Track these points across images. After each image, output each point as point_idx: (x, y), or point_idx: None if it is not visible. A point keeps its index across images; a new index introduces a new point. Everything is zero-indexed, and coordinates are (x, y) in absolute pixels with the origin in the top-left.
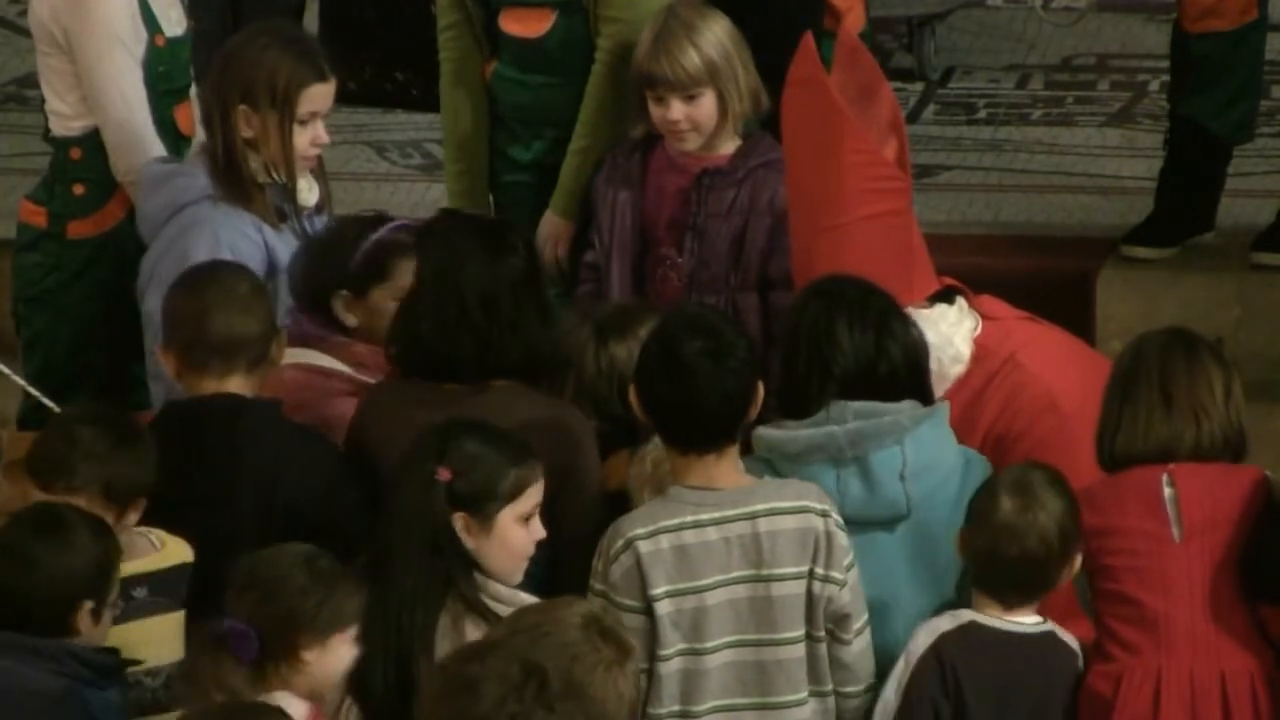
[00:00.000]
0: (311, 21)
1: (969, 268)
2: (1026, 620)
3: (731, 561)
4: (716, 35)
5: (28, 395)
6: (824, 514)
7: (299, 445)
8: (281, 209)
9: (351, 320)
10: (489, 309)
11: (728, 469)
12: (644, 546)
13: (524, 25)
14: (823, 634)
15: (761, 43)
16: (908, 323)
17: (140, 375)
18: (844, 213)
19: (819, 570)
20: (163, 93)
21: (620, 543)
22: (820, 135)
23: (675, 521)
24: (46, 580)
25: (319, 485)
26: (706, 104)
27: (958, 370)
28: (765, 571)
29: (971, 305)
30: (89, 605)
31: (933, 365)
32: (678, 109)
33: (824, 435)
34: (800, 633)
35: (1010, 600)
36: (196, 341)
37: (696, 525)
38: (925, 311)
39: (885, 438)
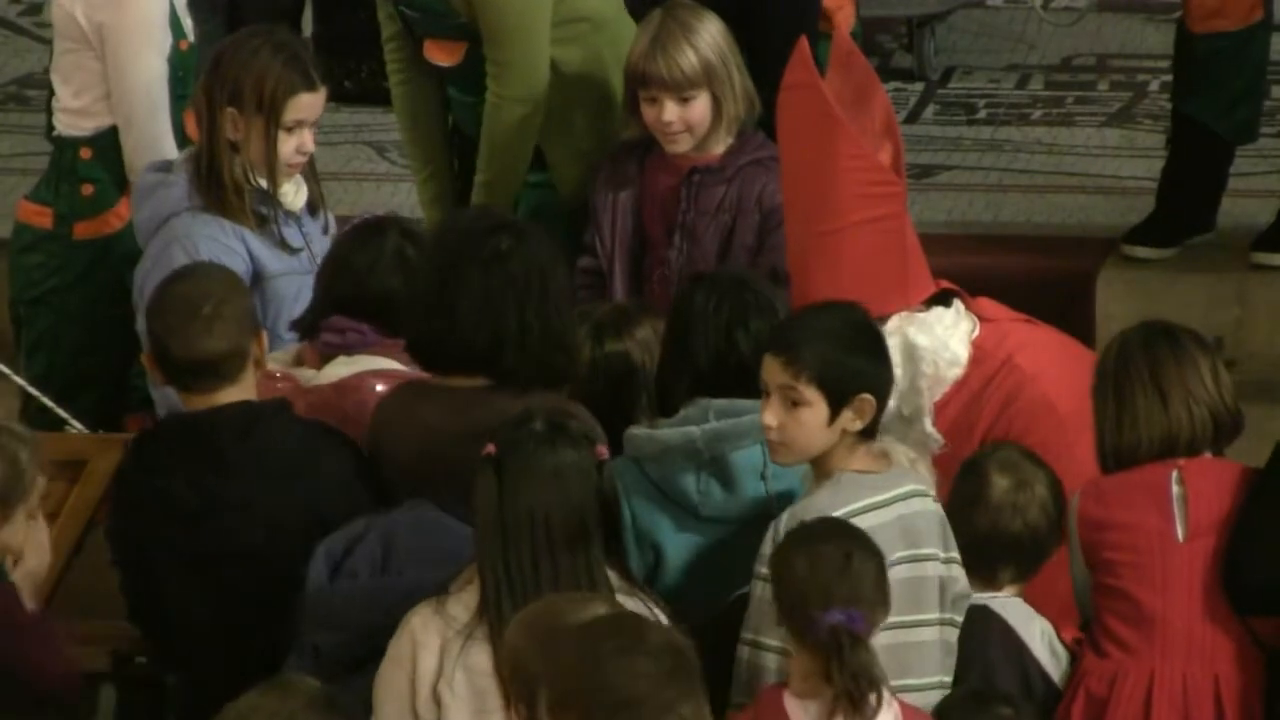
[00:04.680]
0: (308, 23)
1: (969, 268)
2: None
3: (898, 542)
4: (713, 37)
5: (28, 398)
6: (936, 499)
7: (318, 442)
8: (261, 213)
9: None
10: (441, 299)
11: (874, 454)
12: None
13: (443, 54)
14: (949, 616)
15: (757, 46)
16: (769, 316)
17: (142, 378)
18: (839, 217)
19: (942, 553)
20: (178, 97)
21: None
22: (816, 140)
23: (860, 504)
24: None
25: (340, 480)
26: (700, 106)
27: (955, 373)
28: (921, 552)
29: (969, 308)
30: None
31: (928, 369)
32: (671, 110)
33: (680, 436)
34: (937, 614)
35: (1003, 578)
36: (165, 362)
37: (875, 507)
38: (921, 314)
39: (744, 437)
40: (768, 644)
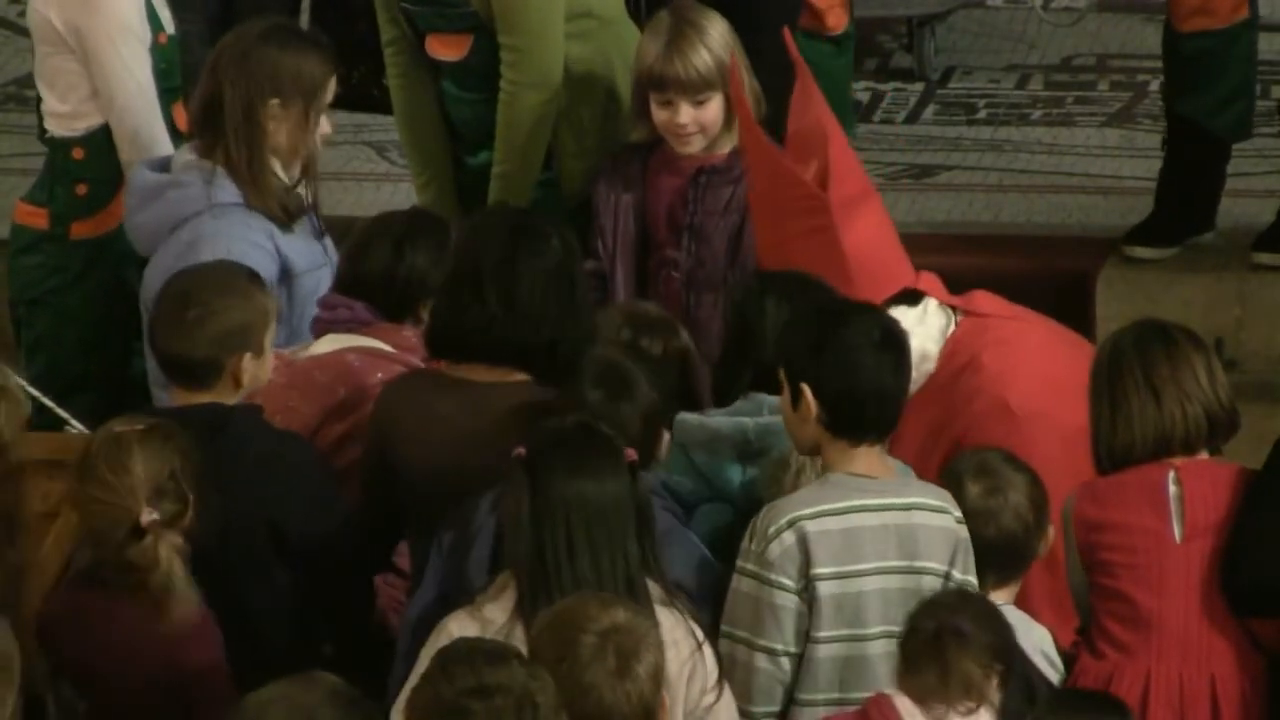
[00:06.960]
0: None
1: (969, 268)
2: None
3: (889, 550)
4: (722, 36)
5: (28, 397)
6: (960, 520)
7: (284, 452)
8: (289, 208)
9: None
10: (497, 289)
11: (882, 460)
12: (810, 526)
13: (447, 48)
14: None
15: (747, 42)
16: None
17: (143, 376)
18: (785, 227)
19: (956, 574)
20: (163, 90)
21: (783, 521)
22: (761, 165)
23: (843, 505)
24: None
25: (302, 493)
26: (714, 107)
27: (927, 368)
28: (919, 564)
29: (946, 303)
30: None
31: None
32: (686, 112)
33: (732, 425)
34: None
35: (988, 584)
36: (153, 348)
37: (863, 510)
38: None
39: None
40: (737, 635)
